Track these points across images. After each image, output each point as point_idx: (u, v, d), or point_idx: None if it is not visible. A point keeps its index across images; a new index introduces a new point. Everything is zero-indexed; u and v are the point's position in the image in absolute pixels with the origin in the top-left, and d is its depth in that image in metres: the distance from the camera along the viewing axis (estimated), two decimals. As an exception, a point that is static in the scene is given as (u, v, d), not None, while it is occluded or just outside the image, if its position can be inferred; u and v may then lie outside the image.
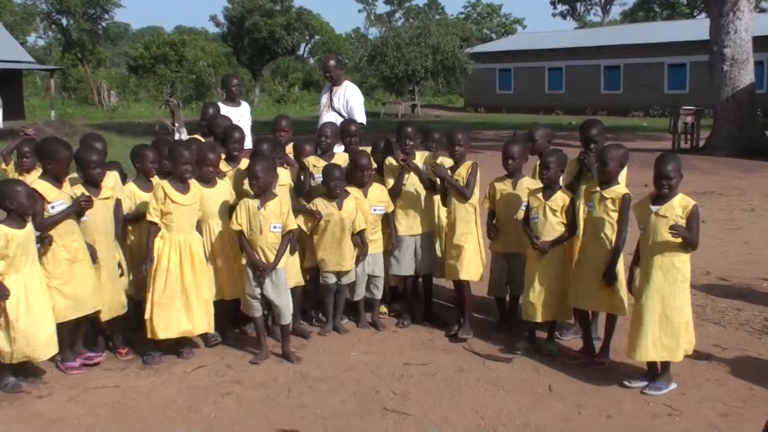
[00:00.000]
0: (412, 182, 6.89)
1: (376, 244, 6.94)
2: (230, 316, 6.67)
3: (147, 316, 6.05)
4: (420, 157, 6.92)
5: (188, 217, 6.13)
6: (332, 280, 6.82)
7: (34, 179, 5.84)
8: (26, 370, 5.79)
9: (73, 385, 5.73)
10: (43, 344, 5.54)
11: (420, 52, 42.54)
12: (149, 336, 6.07)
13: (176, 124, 22.14)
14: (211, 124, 7.34)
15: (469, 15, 79.41)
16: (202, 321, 6.17)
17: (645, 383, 5.56)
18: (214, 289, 6.37)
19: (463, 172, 6.59)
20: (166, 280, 6.03)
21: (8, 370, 5.64)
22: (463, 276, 6.58)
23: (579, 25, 68.83)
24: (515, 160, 6.50)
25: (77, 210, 5.75)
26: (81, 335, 6.14)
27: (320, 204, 6.70)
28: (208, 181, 6.35)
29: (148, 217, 6.02)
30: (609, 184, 5.85)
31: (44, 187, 5.68)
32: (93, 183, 5.95)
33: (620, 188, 5.87)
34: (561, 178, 6.28)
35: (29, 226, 5.53)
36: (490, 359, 6.18)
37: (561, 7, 72.43)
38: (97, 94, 50.80)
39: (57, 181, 5.78)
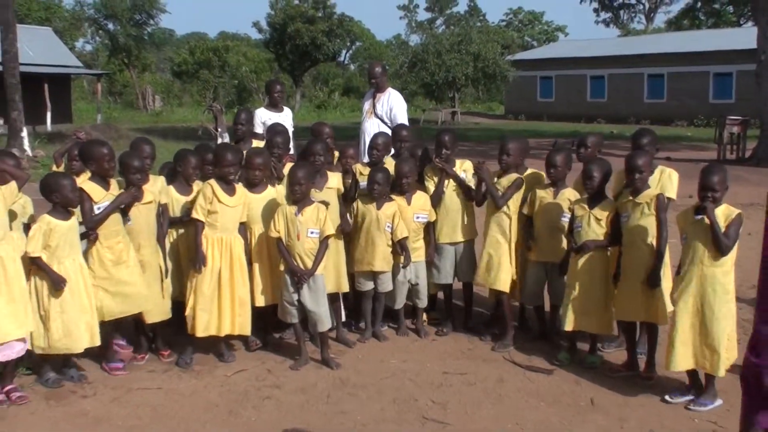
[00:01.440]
0: (451, 190, 6.90)
1: (418, 252, 6.93)
2: (271, 321, 6.71)
3: (187, 312, 6.16)
4: (459, 165, 6.92)
5: (232, 218, 6.20)
6: (367, 286, 6.83)
7: (84, 181, 5.96)
8: (70, 367, 5.91)
9: (117, 385, 5.82)
10: (81, 336, 5.66)
11: (461, 59, 42.42)
12: (189, 332, 6.18)
13: (219, 129, 22.27)
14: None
15: (510, 22, 79.18)
16: (239, 322, 6.23)
17: (687, 398, 5.48)
18: (258, 294, 6.43)
19: (505, 182, 6.57)
20: (207, 280, 6.12)
21: (49, 365, 5.78)
22: (492, 285, 6.60)
23: (622, 33, 68.09)
24: (558, 169, 6.46)
25: (123, 202, 5.86)
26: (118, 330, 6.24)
27: (360, 203, 6.73)
28: (254, 185, 6.41)
29: (194, 215, 6.11)
30: (639, 191, 5.80)
31: (92, 188, 5.83)
32: (135, 194, 6.04)
33: (652, 191, 5.82)
34: (609, 188, 6.25)
35: (73, 219, 5.69)
36: (530, 370, 6.14)
37: (604, 15, 71.79)
38: (142, 99, 51.52)
39: (104, 182, 5.91)
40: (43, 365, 5.80)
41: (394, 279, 6.87)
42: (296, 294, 6.15)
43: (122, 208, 5.94)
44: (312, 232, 6.09)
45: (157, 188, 6.30)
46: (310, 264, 6.11)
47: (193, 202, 6.27)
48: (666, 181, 6.23)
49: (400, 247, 6.76)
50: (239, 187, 6.28)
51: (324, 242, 6.16)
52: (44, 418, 5.27)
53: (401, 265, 6.81)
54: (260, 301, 6.44)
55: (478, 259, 6.97)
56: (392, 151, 7.26)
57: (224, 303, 6.16)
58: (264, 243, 6.43)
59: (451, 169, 6.81)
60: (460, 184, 6.85)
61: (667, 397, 5.53)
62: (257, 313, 6.48)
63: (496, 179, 6.66)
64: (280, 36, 53.26)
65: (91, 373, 6.01)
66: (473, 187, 6.86)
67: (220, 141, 20.05)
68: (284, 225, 6.13)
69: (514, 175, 6.61)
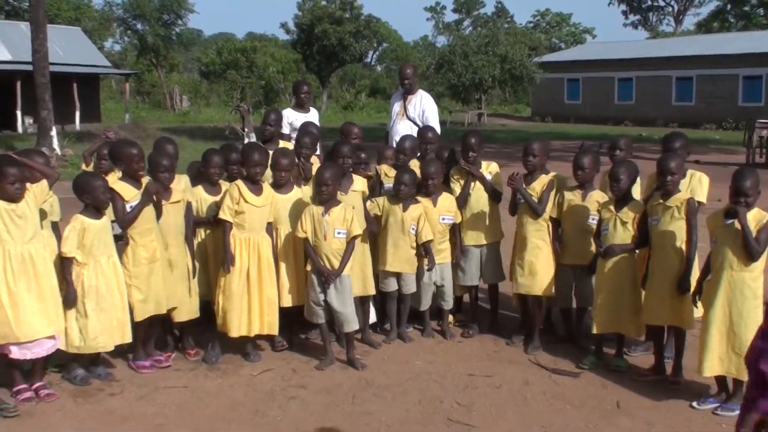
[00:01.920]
0: (477, 192, 6.88)
1: (444, 254, 6.91)
2: (297, 322, 6.72)
3: (218, 313, 6.22)
4: (485, 167, 6.89)
5: (260, 218, 6.23)
6: (391, 287, 6.82)
7: (115, 180, 6.02)
8: (98, 365, 5.96)
9: (143, 384, 5.86)
10: (113, 334, 5.73)
11: (488, 60, 42.33)
12: (219, 329, 6.23)
13: (246, 129, 22.48)
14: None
15: (537, 24, 78.81)
16: (268, 322, 6.26)
17: (714, 405, 5.42)
18: (285, 294, 6.46)
19: (537, 187, 6.54)
20: (236, 280, 6.16)
21: (78, 363, 5.84)
22: (536, 292, 6.55)
23: (651, 35, 67.58)
24: (585, 171, 6.42)
25: (150, 199, 5.91)
26: (153, 336, 6.29)
27: (385, 202, 6.74)
28: (280, 186, 6.43)
29: (221, 215, 6.15)
30: (670, 194, 5.74)
31: (122, 188, 5.89)
32: (162, 186, 6.10)
33: (683, 195, 5.76)
34: (638, 191, 6.20)
35: (105, 218, 5.75)
36: (556, 373, 6.11)
37: (632, 17, 71.31)
38: (170, 99, 51.92)
39: (135, 181, 5.96)
40: (72, 363, 5.86)
41: (419, 281, 6.87)
42: (323, 294, 6.16)
43: (156, 206, 5.98)
44: (339, 233, 6.10)
45: (181, 187, 6.36)
46: (336, 264, 6.12)
47: (220, 202, 6.30)
48: (696, 184, 6.18)
49: (424, 250, 6.75)
50: (266, 187, 6.31)
51: (351, 243, 6.16)
52: (72, 416, 5.32)
53: (426, 268, 6.79)
54: (286, 302, 6.46)
55: (504, 261, 6.95)
56: (418, 153, 7.26)
57: (253, 303, 6.20)
58: (290, 243, 6.45)
59: (477, 171, 6.79)
60: (486, 186, 6.83)
61: (694, 404, 5.47)
62: (283, 314, 6.51)
63: (526, 186, 6.60)
64: (308, 37, 53.42)
65: (119, 371, 6.07)
66: (498, 189, 6.84)
67: (246, 141, 20.21)
68: (311, 225, 6.14)
69: (545, 178, 6.58)
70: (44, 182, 5.66)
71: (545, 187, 6.52)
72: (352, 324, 6.24)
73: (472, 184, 6.84)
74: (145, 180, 6.03)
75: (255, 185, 6.22)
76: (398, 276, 6.80)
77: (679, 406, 5.49)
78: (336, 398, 5.62)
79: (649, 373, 6.05)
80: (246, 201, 6.14)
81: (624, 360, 6.26)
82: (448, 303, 7.04)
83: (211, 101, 55.59)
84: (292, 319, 6.68)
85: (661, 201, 5.79)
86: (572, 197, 6.52)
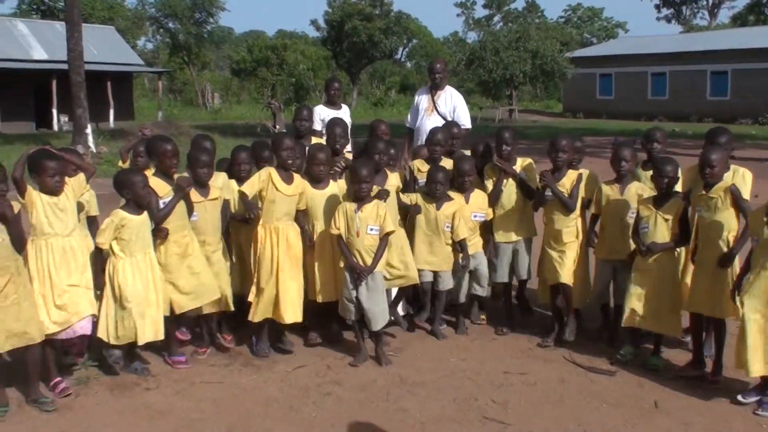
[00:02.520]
0: (510, 189, 6.84)
1: (474, 245, 6.91)
2: (333, 317, 6.73)
3: (250, 298, 6.29)
4: (520, 164, 6.85)
5: (289, 206, 6.25)
6: (427, 278, 6.81)
7: (149, 177, 6.07)
8: (134, 359, 6.03)
9: (179, 378, 5.91)
10: (148, 329, 5.77)
11: (519, 56, 42.05)
12: (249, 318, 6.27)
13: (277, 126, 22.58)
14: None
15: (569, 19, 78.22)
16: (291, 310, 6.24)
17: (756, 398, 5.35)
18: (319, 290, 6.49)
19: (567, 183, 6.49)
20: (265, 268, 6.20)
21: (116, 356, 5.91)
22: (564, 279, 6.48)
23: (684, 29, 66.77)
24: (628, 163, 6.40)
25: (182, 194, 5.95)
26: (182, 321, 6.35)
27: (419, 199, 6.72)
28: (318, 181, 6.45)
29: (244, 188, 6.12)
30: (712, 186, 5.67)
31: (156, 184, 5.95)
32: (200, 182, 6.15)
33: (724, 183, 5.67)
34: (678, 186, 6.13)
35: (145, 214, 5.81)
36: (592, 371, 6.05)
37: (666, 11, 70.50)
38: (201, 96, 52.31)
39: (168, 177, 6.02)
40: (110, 350, 5.90)
41: (454, 276, 6.85)
42: (355, 291, 6.16)
43: (187, 202, 6.02)
44: (372, 229, 6.10)
45: (218, 184, 6.39)
46: (369, 261, 6.11)
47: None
48: (739, 181, 6.04)
49: (459, 247, 6.73)
50: (297, 177, 6.32)
51: (384, 239, 6.15)
52: (110, 409, 5.38)
53: (461, 263, 6.77)
54: (321, 297, 6.48)
55: (535, 258, 6.94)
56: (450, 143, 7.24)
57: (281, 290, 6.20)
58: (326, 239, 6.46)
59: (510, 167, 6.75)
60: (520, 182, 6.78)
61: (739, 397, 5.40)
62: (318, 309, 6.52)
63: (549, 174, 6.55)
64: (338, 34, 53.51)
65: (154, 366, 6.12)
66: (533, 186, 6.80)
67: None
68: (344, 222, 6.14)
69: (573, 173, 6.52)
70: (81, 176, 5.80)
71: (574, 183, 6.47)
72: (381, 322, 6.23)
73: (505, 180, 6.80)
74: (177, 176, 6.08)
75: (286, 173, 6.23)
76: (434, 273, 6.79)
77: (718, 405, 5.41)
78: (370, 395, 5.62)
79: (688, 369, 5.98)
80: (276, 189, 6.15)
81: (660, 359, 6.18)
82: (483, 289, 7.02)
83: (242, 99, 55.88)
84: (328, 315, 6.68)
85: (703, 192, 5.72)
86: (610, 192, 6.47)
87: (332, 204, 6.40)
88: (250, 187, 6.13)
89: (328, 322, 6.77)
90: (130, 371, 5.95)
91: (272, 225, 6.22)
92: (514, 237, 6.91)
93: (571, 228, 6.51)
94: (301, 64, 54.56)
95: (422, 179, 6.90)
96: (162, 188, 5.95)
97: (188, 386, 5.78)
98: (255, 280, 6.27)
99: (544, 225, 6.78)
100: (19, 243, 5.16)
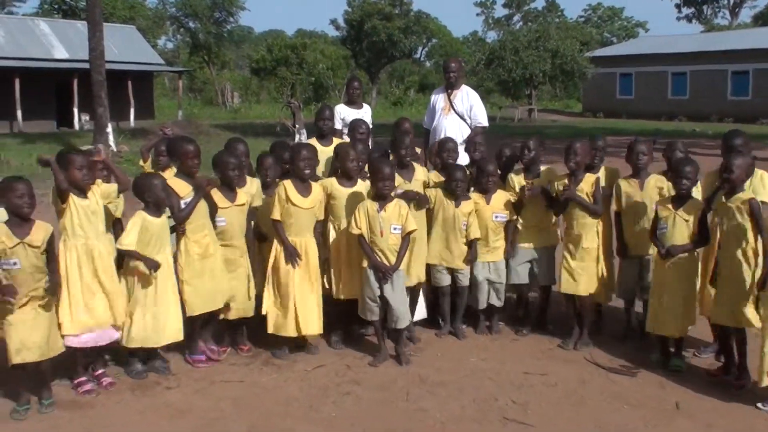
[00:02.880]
0: (533, 199, 6.78)
1: (497, 252, 6.88)
2: (356, 316, 6.73)
3: (264, 311, 6.27)
4: (545, 175, 6.82)
5: (306, 219, 6.24)
6: (444, 281, 6.80)
7: (170, 177, 6.10)
8: (155, 358, 6.05)
9: (199, 378, 5.93)
10: (167, 331, 5.83)
11: (538, 56, 41.92)
12: (269, 330, 6.27)
13: (297, 126, 22.60)
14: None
15: (589, 18, 77.87)
16: (310, 324, 6.27)
17: None
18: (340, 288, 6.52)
19: (585, 187, 6.45)
20: (281, 280, 6.20)
21: (137, 357, 5.94)
22: (582, 291, 6.49)
23: (706, 28, 66.24)
24: (646, 157, 6.40)
25: (203, 194, 5.97)
26: (210, 330, 6.37)
27: (439, 194, 6.70)
28: (350, 178, 6.49)
29: (273, 216, 6.16)
30: (732, 193, 5.59)
31: (177, 184, 5.97)
32: (229, 186, 6.16)
33: (744, 194, 5.58)
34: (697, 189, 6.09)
35: (164, 217, 5.85)
36: (613, 372, 6.02)
37: (686, 11, 69.97)
38: (221, 96, 52.53)
39: (191, 178, 6.05)
40: (130, 358, 5.95)
41: (473, 277, 6.83)
42: (379, 290, 6.15)
43: (208, 201, 6.04)
44: (395, 228, 6.09)
45: (252, 190, 6.45)
46: (393, 260, 6.11)
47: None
48: (758, 184, 5.98)
49: (469, 245, 6.73)
50: (315, 187, 6.29)
51: (406, 238, 6.15)
52: (131, 408, 5.41)
53: (467, 259, 6.75)
54: (344, 294, 6.50)
55: (558, 265, 6.90)
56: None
57: (299, 305, 6.21)
58: (350, 236, 6.45)
59: (536, 189, 6.64)
60: (546, 194, 6.74)
61: (759, 405, 5.34)
62: (337, 310, 6.55)
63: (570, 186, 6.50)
64: (357, 33, 53.56)
65: (175, 364, 6.14)
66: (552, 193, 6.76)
67: (297, 137, 20.33)
68: (366, 221, 6.13)
69: (591, 177, 6.49)
70: (114, 186, 5.87)
71: (593, 186, 6.43)
72: (405, 320, 6.24)
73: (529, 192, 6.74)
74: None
75: (303, 184, 6.22)
76: (452, 271, 6.77)
77: (741, 408, 5.36)
78: (390, 395, 5.62)
79: (718, 374, 5.93)
80: (293, 204, 6.13)
81: (682, 360, 6.13)
82: (500, 301, 7.00)
83: (261, 98, 56.05)
84: (348, 315, 6.68)
85: (723, 201, 5.65)
86: (629, 188, 6.45)
87: (359, 201, 6.41)
88: (278, 213, 6.13)
89: (350, 322, 6.77)
90: (151, 370, 5.97)
91: (291, 239, 6.20)
92: (535, 244, 6.87)
93: (592, 232, 6.48)
94: (320, 63, 54.64)
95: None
96: (183, 188, 5.97)
97: (208, 385, 5.80)
98: (271, 292, 6.26)
99: (564, 230, 6.75)
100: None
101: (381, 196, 6.12)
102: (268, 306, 6.27)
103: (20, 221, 5.14)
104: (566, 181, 6.50)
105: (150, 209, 5.78)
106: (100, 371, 5.77)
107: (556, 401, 5.50)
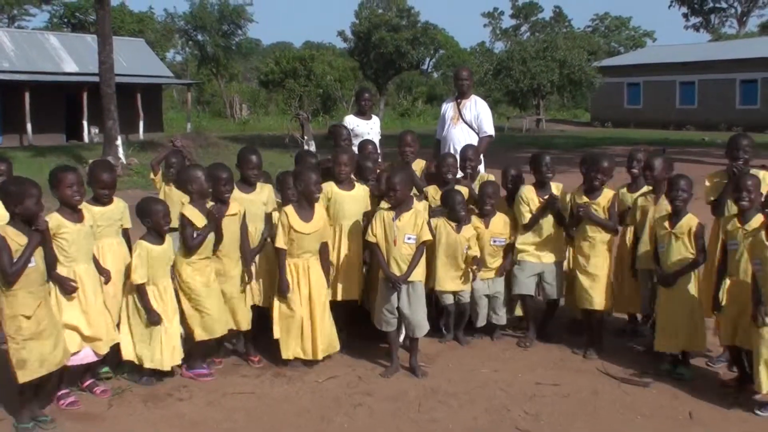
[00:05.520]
0: (546, 215, 6.80)
1: (494, 271, 6.94)
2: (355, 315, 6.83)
3: (275, 335, 6.27)
4: (555, 188, 6.83)
5: (310, 243, 6.24)
6: (449, 301, 6.82)
7: (186, 205, 6.06)
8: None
9: (211, 389, 5.93)
10: (171, 354, 5.91)
11: (546, 66, 41.98)
12: (283, 356, 6.28)
13: (305, 137, 22.66)
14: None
15: (596, 28, 77.95)
16: (322, 345, 6.28)
17: None
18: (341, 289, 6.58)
19: (603, 202, 6.45)
20: (290, 304, 6.22)
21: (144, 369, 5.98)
22: (597, 306, 6.51)
23: (713, 37, 66.20)
24: (658, 172, 6.42)
25: (215, 225, 5.97)
26: (221, 347, 6.49)
27: (441, 222, 6.68)
28: (340, 182, 6.62)
29: (276, 243, 6.17)
30: (747, 217, 5.52)
31: (194, 215, 5.95)
32: (220, 199, 6.12)
33: (758, 218, 5.46)
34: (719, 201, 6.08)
35: (166, 244, 5.89)
36: (626, 382, 5.99)
37: (694, 20, 69.94)
38: (230, 108, 52.66)
39: (221, 202, 6.07)
40: (140, 380, 5.99)
41: (472, 292, 6.87)
42: (396, 301, 6.14)
43: (219, 234, 6.05)
44: (409, 238, 6.08)
45: (263, 197, 6.52)
46: (405, 269, 6.08)
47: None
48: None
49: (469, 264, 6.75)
50: (319, 210, 6.28)
51: (420, 248, 6.13)
52: (143, 420, 5.41)
53: (472, 268, 6.76)
54: (341, 295, 6.60)
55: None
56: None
57: (306, 328, 6.23)
58: (352, 238, 6.57)
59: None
60: (558, 214, 6.73)
61: (757, 411, 5.34)
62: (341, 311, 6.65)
63: (585, 201, 6.50)
64: (365, 44, 53.67)
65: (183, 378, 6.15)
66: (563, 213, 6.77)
67: (306, 148, 20.38)
68: (382, 230, 6.13)
69: (609, 192, 6.49)
70: (123, 203, 6.09)
71: (610, 203, 6.44)
72: (423, 329, 6.24)
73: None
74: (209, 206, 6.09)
75: (308, 207, 6.21)
76: (455, 292, 6.81)
77: (753, 417, 5.33)
78: (402, 406, 5.60)
79: (731, 384, 5.89)
80: (295, 230, 6.13)
81: (688, 369, 6.11)
82: (501, 318, 7.01)
83: (269, 110, 56.18)
84: (349, 314, 6.79)
85: (739, 226, 5.57)
86: (645, 203, 6.46)
87: (358, 204, 6.57)
88: (281, 240, 6.13)
89: (352, 321, 6.86)
90: (158, 378, 6.01)
91: (292, 261, 6.22)
92: (543, 259, 6.84)
93: (605, 247, 6.49)
94: (328, 75, 54.75)
95: (434, 205, 6.96)
96: (199, 220, 5.95)
97: (220, 397, 5.79)
98: (278, 317, 6.26)
99: (574, 245, 6.75)
100: (52, 265, 5.22)
101: (394, 205, 6.13)
102: (278, 331, 6.26)
103: (71, 210, 5.41)
104: (584, 198, 6.50)
105: (151, 236, 5.83)
106: (89, 381, 5.77)
107: (569, 412, 5.47)
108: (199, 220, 5.94)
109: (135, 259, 5.76)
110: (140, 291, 5.77)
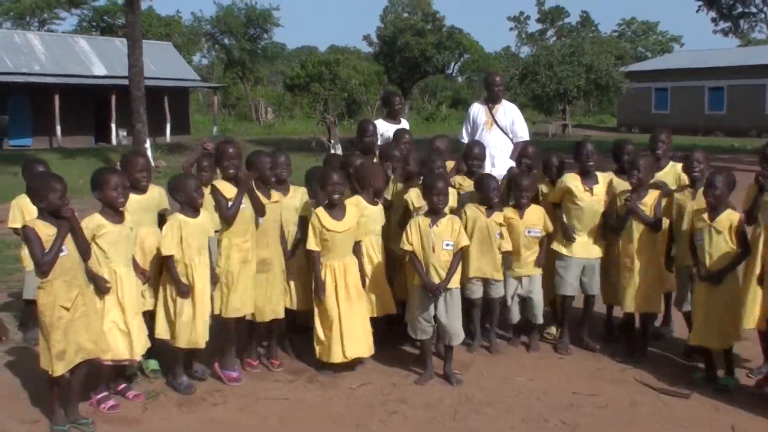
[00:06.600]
0: (595, 206, 6.73)
1: (529, 266, 6.79)
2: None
3: (315, 341, 6.27)
4: (602, 180, 6.75)
5: (344, 242, 6.22)
6: (477, 294, 6.70)
7: (218, 179, 6.14)
8: (196, 366, 6.11)
9: (245, 394, 5.90)
10: (203, 332, 5.85)
11: (573, 70, 41.66)
12: (318, 357, 6.26)
13: (332, 141, 22.70)
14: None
15: (623, 33, 77.52)
16: (358, 347, 6.23)
17: None
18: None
19: (649, 201, 6.35)
20: (327, 307, 6.18)
21: (181, 367, 5.96)
22: (647, 309, 6.44)
23: (742, 42, 65.48)
24: (701, 165, 6.30)
25: (246, 188, 5.97)
26: (253, 344, 6.41)
27: (471, 207, 6.63)
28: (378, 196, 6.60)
29: (308, 246, 6.16)
30: None
31: (224, 187, 6.03)
32: (265, 184, 6.19)
33: None
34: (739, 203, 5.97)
35: (201, 218, 5.87)
36: (665, 393, 5.88)
37: (722, 24, 69.16)
38: (255, 111, 52.86)
39: (266, 188, 6.17)
40: (175, 368, 5.96)
41: (506, 288, 6.78)
42: (434, 309, 6.08)
43: (256, 205, 6.04)
44: (447, 245, 6.00)
45: (296, 202, 6.54)
46: (444, 276, 5.99)
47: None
48: None
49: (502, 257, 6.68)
50: (350, 209, 6.26)
51: (458, 254, 6.05)
52: (177, 424, 5.40)
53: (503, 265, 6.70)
54: (376, 312, 6.53)
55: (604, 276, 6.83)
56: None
57: (345, 328, 6.17)
58: (376, 252, 6.53)
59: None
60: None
61: None
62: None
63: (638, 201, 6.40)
64: (390, 49, 53.72)
65: (217, 381, 6.13)
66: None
67: (332, 152, 20.40)
68: (418, 238, 6.05)
69: (655, 192, 6.39)
70: (159, 188, 6.12)
71: (656, 201, 6.34)
72: (459, 337, 6.17)
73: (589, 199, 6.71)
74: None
75: (339, 207, 6.19)
76: (485, 281, 6.69)
77: (799, 431, 5.22)
78: (437, 413, 5.54)
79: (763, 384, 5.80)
80: (328, 230, 6.12)
81: (732, 379, 5.98)
82: (538, 317, 6.88)
83: (294, 113, 56.32)
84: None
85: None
86: (682, 198, 6.38)
87: (378, 220, 6.58)
88: (313, 242, 6.14)
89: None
90: (194, 376, 6.04)
91: (328, 263, 6.20)
92: (587, 255, 6.76)
93: (651, 247, 6.37)
94: (353, 79, 54.81)
95: (463, 192, 7.00)
96: (229, 191, 5.99)
97: (253, 402, 5.77)
98: (317, 318, 6.25)
99: (618, 244, 6.62)
100: (85, 252, 5.20)
101: (434, 211, 6.07)
102: (316, 335, 6.26)
103: (113, 212, 5.43)
104: (629, 194, 6.41)
105: (185, 210, 5.82)
106: (122, 386, 5.78)
107: (607, 423, 5.39)
108: (229, 191, 5.97)
109: (165, 229, 5.76)
110: (168, 263, 5.74)
